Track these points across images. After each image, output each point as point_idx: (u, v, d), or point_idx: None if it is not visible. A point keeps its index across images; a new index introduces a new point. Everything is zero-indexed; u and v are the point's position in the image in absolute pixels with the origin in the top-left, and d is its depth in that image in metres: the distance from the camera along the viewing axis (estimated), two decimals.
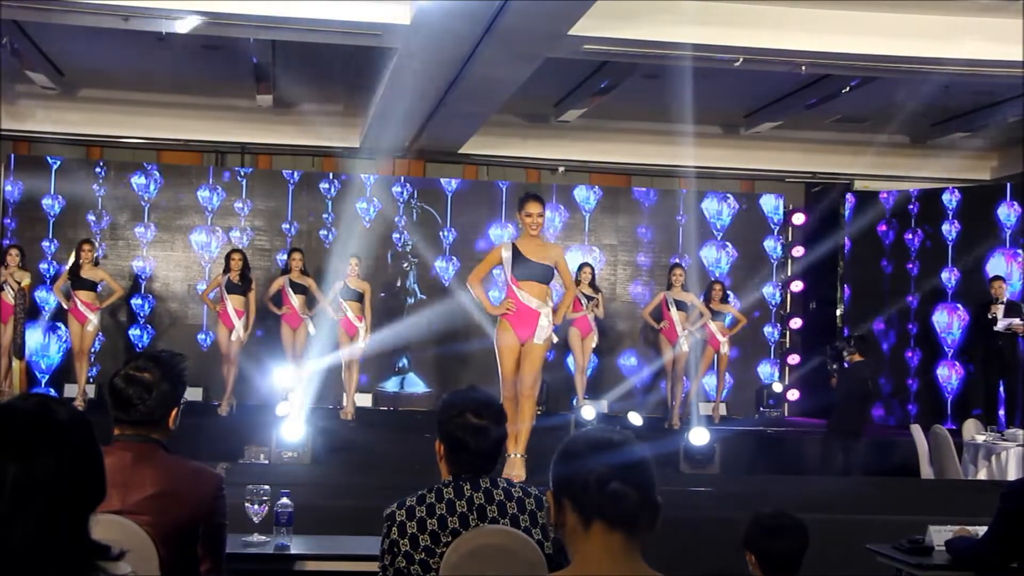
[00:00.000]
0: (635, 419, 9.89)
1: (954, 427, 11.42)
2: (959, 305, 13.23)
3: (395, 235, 13.88)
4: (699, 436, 8.92)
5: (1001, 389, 11.83)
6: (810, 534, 3.87)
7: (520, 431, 7.52)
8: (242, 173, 13.75)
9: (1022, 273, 12.72)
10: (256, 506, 4.32)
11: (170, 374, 3.29)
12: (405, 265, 13.81)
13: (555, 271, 7.60)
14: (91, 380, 12.01)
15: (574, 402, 12.11)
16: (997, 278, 11.95)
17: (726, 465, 9.16)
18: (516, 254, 7.52)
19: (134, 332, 13.33)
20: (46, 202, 13.24)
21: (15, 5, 8.65)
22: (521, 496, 3.33)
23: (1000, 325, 11.49)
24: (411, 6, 8.72)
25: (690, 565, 4.76)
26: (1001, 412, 11.76)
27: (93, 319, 11.18)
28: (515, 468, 7.46)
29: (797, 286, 14.46)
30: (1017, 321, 11.44)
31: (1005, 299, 11.65)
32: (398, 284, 13.79)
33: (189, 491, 3.20)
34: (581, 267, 12.13)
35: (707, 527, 6.10)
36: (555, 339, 12.14)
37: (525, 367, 7.54)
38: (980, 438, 9.82)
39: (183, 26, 9.01)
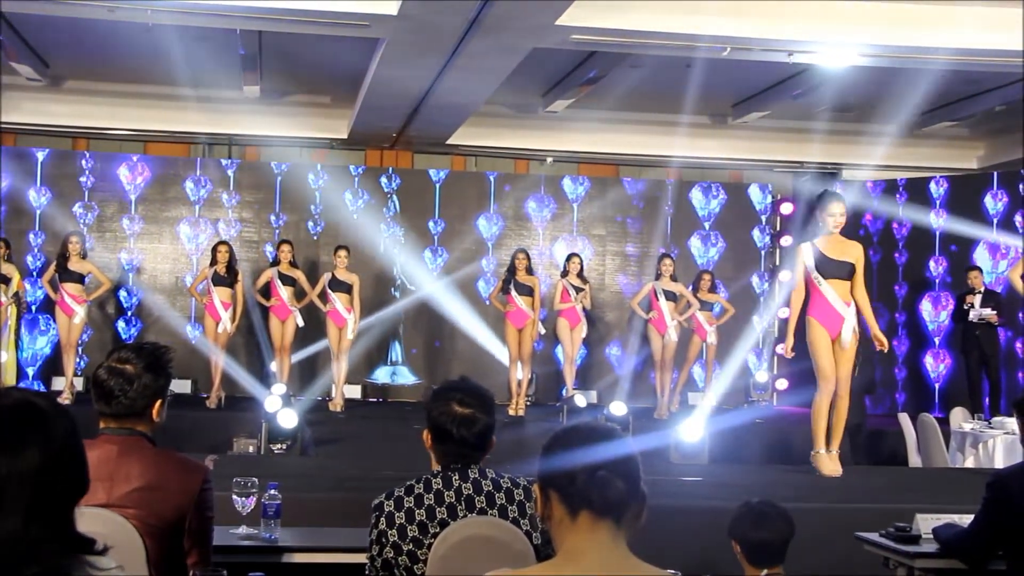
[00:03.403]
0: (618, 409, 9.88)
1: (942, 416, 11.46)
2: (946, 294, 13.27)
3: (383, 226, 13.86)
4: (690, 432, 8.91)
5: (984, 378, 11.87)
6: (799, 522, 3.88)
7: (837, 428, 7.74)
8: (229, 165, 13.72)
9: (1008, 263, 12.75)
10: (244, 498, 4.31)
11: (153, 365, 3.26)
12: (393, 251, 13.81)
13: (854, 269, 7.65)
14: (79, 373, 11.98)
15: (563, 392, 12.12)
16: (973, 268, 11.98)
17: (715, 455, 9.17)
18: (817, 252, 7.64)
19: (122, 325, 13.30)
20: (32, 194, 13.19)
21: None
22: (510, 487, 3.34)
23: (972, 315, 11.52)
24: None
25: (678, 554, 4.76)
26: (986, 401, 11.80)
27: (80, 312, 11.15)
28: (831, 464, 7.76)
29: (785, 275, 14.47)
30: (988, 311, 11.48)
31: (982, 289, 11.67)
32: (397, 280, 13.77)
33: (175, 484, 3.19)
34: (570, 257, 12.13)
35: (696, 517, 6.11)
36: (543, 331, 12.24)
37: (838, 368, 7.64)
38: (967, 426, 9.85)
39: None
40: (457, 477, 3.30)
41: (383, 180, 13.93)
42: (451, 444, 3.31)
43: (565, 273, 12.00)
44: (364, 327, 12.19)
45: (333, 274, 11.64)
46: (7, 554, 1.74)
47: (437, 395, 3.37)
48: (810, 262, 7.67)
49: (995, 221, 13.03)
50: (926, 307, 13.50)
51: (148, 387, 3.24)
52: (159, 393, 3.28)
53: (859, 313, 7.72)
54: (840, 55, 10.04)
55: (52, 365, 12.75)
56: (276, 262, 11.82)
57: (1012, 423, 9.16)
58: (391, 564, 3.23)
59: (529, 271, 11.78)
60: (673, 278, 12.18)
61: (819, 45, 9.60)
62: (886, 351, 8.07)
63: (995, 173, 13.38)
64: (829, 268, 7.63)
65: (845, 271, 7.62)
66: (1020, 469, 4.37)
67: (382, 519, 3.26)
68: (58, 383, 11.92)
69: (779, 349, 14.27)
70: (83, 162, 13.37)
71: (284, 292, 11.57)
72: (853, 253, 7.70)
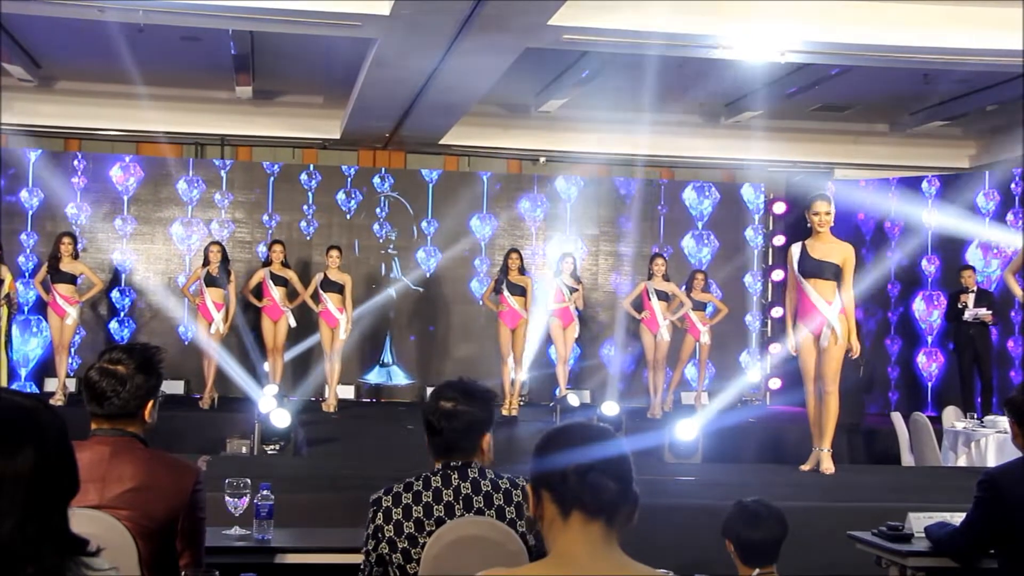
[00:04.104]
0: (610, 409, 9.88)
1: (934, 414, 11.48)
2: (938, 293, 13.29)
3: (375, 226, 13.86)
4: (686, 431, 8.92)
5: (976, 377, 11.88)
6: (792, 521, 3.89)
7: (826, 426, 7.77)
8: (222, 165, 13.70)
9: (1000, 262, 12.77)
10: (236, 499, 4.31)
11: (145, 366, 3.26)
12: (391, 251, 13.82)
13: (841, 270, 7.72)
14: (71, 374, 11.96)
15: (556, 393, 12.12)
16: (967, 267, 12.00)
17: (708, 454, 9.18)
18: (803, 252, 7.73)
19: (114, 325, 13.27)
20: (24, 195, 13.16)
21: None
22: (508, 488, 3.35)
23: (967, 315, 11.53)
24: None
25: (671, 554, 4.77)
26: (978, 400, 11.82)
27: (72, 313, 11.12)
28: (824, 463, 7.79)
29: (778, 275, 14.49)
30: (983, 311, 11.49)
31: (975, 288, 11.68)
32: (384, 275, 13.80)
33: (167, 484, 3.19)
34: (563, 257, 12.12)
35: (689, 516, 6.13)
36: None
37: (821, 366, 7.69)
38: (960, 425, 9.87)
39: None
40: (456, 476, 3.32)
41: (376, 180, 13.92)
42: (437, 438, 3.35)
43: (559, 273, 11.98)
44: (355, 316, 12.13)
45: (325, 274, 11.63)
46: (4, 555, 1.74)
47: (432, 394, 3.43)
48: (794, 261, 7.76)
49: (987, 220, 13.06)
50: (919, 306, 13.51)
51: (140, 388, 3.24)
52: (151, 394, 3.29)
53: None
54: (832, 55, 10.05)
55: (44, 366, 12.72)
56: (268, 262, 11.81)
57: (1004, 422, 9.20)
58: (385, 560, 3.25)
59: (522, 271, 11.77)
60: (665, 278, 12.19)
61: (811, 44, 9.60)
62: (854, 357, 8.08)
63: (987, 172, 13.41)
64: (811, 267, 7.71)
65: (828, 271, 7.67)
66: (1011, 467, 4.38)
67: (379, 514, 3.28)
68: (50, 384, 11.90)
69: (773, 349, 14.31)
70: (75, 163, 13.34)
71: (276, 293, 11.56)
72: (839, 254, 7.74)
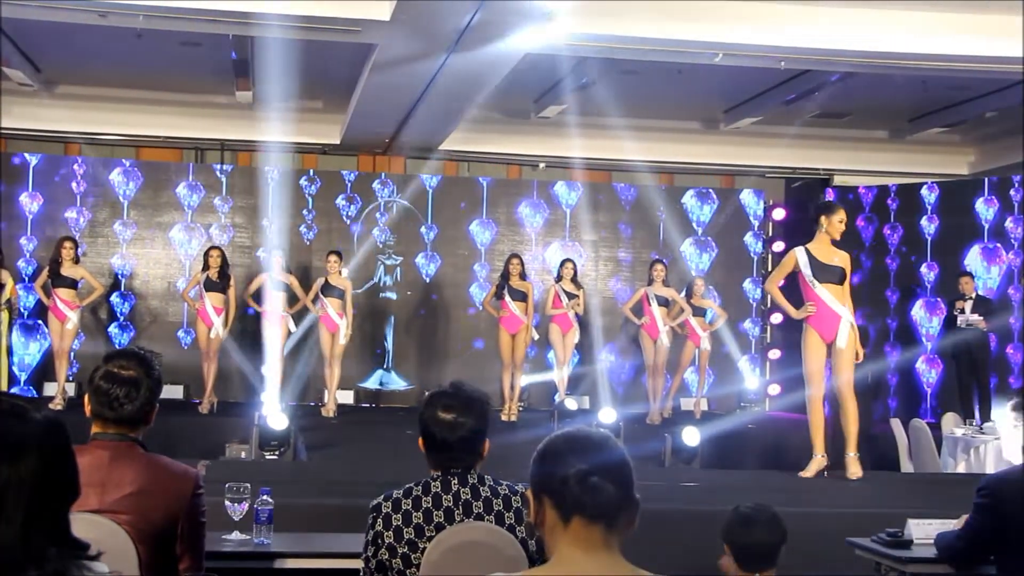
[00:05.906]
0: (608, 415, 9.88)
1: (934, 421, 11.48)
2: (938, 300, 13.29)
3: (376, 231, 13.87)
4: (690, 436, 8.93)
5: (974, 384, 11.88)
6: (791, 527, 3.89)
7: (848, 430, 7.78)
8: (222, 170, 13.70)
9: (1000, 269, 12.78)
10: (236, 504, 4.31)
11: (151, 371, 3.30)
12: (387, 259, 13.81)
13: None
14: (71, 379, 11.95)
15: (555, 398, 12.11)
16: (965, 274, 11.99)
17: (707, 460, 9.18)
18: (811, 258, 7.78)
19: (114, 330, 13.26)
20: (24, 199, 13.16)
21: None
22: (507, 494, 3.35)
23: (960, 320, 11.53)
24: (390, 2, 8.70)
25: (671, 559, 4.77)
26: (977, 407, 11.81)
27: (73, 317, 11.11)
28: (851, 467, 7.80)
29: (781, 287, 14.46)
30: (976, 317, 11.48)
31: (973, 295, 11.66)
32: (377, 280, 13.81)
33: (167, 489, 3.20)
34: (563, 263, 12.11)
35: (688, 521, 6.12)
36: (535, 336, 12.23)
37: (835, 368, 7.74)
38: (959, 432, 9.88)
39: None
40: (456, 482, 3.32)
41: (376, 185, 13.93)
42: (437, 449, 3.34)
43: (559, 279, 11.98)
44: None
45: (326, 279, 11.62)
46: (7, 559, 1.76)
47: (428, 401, 3.40)
48: (805, 266, 7.78)
49: (987, 227, 13.07)
50: (918, 313, 13.52)
51: (152, 392, 3.27)
52: (158, 398, 3.32)
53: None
54: (831, 61, 10.06)
55: (44, 371, 12.71)
56: (268, 267, 11.80)
57: (1003, 427, 9.21)
58: (385, 566, 3.25)
59: (523, 276, 11.77)
60: (665, 283, 12.19)
61: (810, 51, 9.61)
62: (858, 362, 8.09)
63: (986, 179, 13.42)
64: (823, 272, 7.78)
65: (836, 276, 7.78)
66: (1011, 474, 4.38)
67: (379, 520, 3.28)
68: (49, 389, 11.89)
69: (772, 355, 14.30)
70: (75, 167, 13.34)
71: (276, 298, 11.54)
72: (843, 259, 7.85)
